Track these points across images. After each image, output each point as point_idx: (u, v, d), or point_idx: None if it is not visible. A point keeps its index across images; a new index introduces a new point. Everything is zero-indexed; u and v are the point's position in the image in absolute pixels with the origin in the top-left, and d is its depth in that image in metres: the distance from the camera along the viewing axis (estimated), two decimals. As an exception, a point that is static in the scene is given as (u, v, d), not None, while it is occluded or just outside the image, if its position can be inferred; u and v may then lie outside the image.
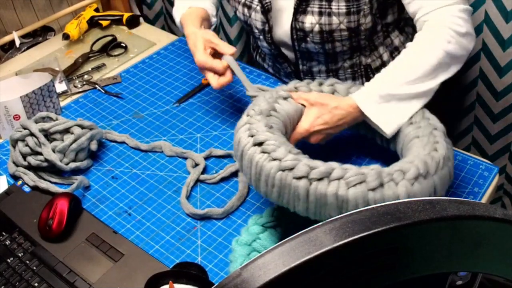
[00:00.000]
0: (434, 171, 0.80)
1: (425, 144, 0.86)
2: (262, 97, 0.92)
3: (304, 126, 0.95)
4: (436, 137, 0.86)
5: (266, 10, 1.12)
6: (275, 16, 1.15)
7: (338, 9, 1.06)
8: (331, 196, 0.76)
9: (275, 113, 0.90)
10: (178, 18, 1.18)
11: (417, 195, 0.77)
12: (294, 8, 1.09)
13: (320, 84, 0.99)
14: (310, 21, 1.09)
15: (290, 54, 1.21)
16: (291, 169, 0.78)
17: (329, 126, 0.95)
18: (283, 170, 0.78)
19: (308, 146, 0.96)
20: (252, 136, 0.83)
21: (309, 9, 1.08)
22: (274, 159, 0.79)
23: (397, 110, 0.94)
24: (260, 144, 0.82)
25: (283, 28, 1.16)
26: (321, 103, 0.95)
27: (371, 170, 0.78)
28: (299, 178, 0.77)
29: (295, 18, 1.11)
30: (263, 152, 0.80)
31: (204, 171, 1.04)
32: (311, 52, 1.16)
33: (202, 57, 1.04)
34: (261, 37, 1.18)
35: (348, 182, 0.76)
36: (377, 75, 0.96)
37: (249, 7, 1.14)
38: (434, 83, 0.95)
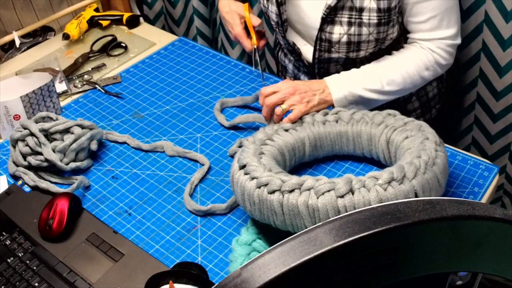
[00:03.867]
0: (413, 176, 0.79)
1: (412, 153, 0.85)
2: (262, 129, 0.99)
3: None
4: (425, 146, 0.85)
5: (280, 3, 1.13)
6: (295, 12, 1.15)
7: (369, 19, 1.05)
8: (302, 206, 0.78)
9: (270, 142, 0.95)
10: None
11: (390, 199, 0.77)
12: (322, 18, 1.07)
13: (325, 114, 1.02)
14: (338, 31, 1.08)
15: (307, 53, 1.20)
16: (266, 184, 0.81)
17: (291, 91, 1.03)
18: (260, 187, 0.82)
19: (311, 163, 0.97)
20: (238, 161, 0.90)
21: (337, 19, 1.07)
22: (253, 178, 0.84)
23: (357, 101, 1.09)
24: (243, 166, 0.87)
25: (303, 25, 1.16)
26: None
27: (342, 178, 0.79)
28: (273, 192, 0.80)
29: (321, 29, 1.09)
30: (246, 173, 0.86)
31: (208, 171, 1.04)
32: (331, 58, 1.16)
33: (239, 32, 1.21)
34: (277, 30, 1.20)
35: (317, 191, 0.77)
36: (356, 71, 1.09)
37: None
38: (396, 96, 1.11)
